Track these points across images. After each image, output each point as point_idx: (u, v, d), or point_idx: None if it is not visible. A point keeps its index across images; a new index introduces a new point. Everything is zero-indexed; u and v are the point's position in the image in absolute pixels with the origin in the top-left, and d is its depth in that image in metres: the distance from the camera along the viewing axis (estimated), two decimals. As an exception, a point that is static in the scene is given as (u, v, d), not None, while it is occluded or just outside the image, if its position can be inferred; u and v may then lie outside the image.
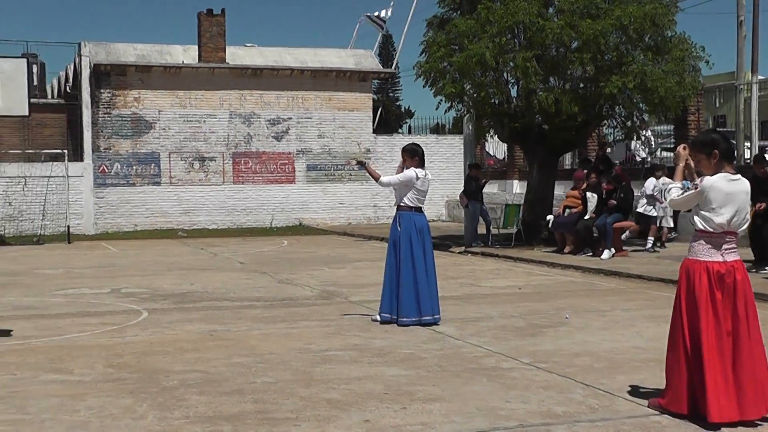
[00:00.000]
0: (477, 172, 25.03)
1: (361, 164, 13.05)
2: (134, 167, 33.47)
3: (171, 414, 7.36)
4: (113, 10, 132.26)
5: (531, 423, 7.06)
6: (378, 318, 12.05)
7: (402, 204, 12.14)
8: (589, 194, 21.14)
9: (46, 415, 7.47)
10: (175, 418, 7.22)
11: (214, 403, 7.68)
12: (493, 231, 24.50)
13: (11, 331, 11.83)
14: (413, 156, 12.14)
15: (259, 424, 7.06)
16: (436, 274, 12.21)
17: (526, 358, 9.55)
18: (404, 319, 11.72)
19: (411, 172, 12.01)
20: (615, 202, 20.43)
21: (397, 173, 12.30)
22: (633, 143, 29.77)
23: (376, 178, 12.38)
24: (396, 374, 8.82)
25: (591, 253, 20.32)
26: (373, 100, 37.83)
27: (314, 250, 24.76)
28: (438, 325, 11.72)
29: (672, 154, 27.50)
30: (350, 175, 35.61)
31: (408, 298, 11.76)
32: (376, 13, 42.13)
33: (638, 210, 21.75)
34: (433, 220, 35.67)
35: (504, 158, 41.47)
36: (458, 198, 26.78)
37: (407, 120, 64.47)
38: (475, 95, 23.13)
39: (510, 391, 8.02)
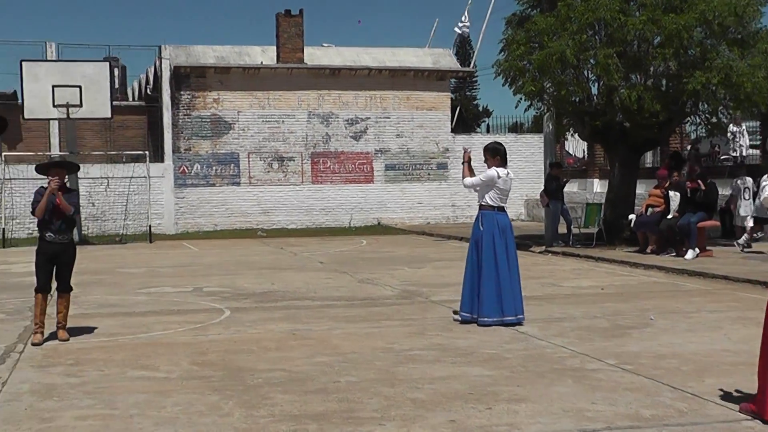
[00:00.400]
0: (558, 171, 24.82)
1: (468, 160, 12.75)
2: (214, 168, 33.77)
3: (257, 412, 7.37)
4: (192, 13, 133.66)
5: (618, 426, 6.94)
6: (458, 317, 11.99)
7: (484, 203, 12.06)
8: (672, 193, 20.84)
9: (134, 410, 7.54)
10: (261, 416, 7.23)
11: (299, 401, 7.68)
12: (574, 230, 24.28)
13: (96, 328, 12.00)
14: (495, 155, 12.06)
15: (345, 423, 7.04)
16: (519, 274, 12.10)
17: (611, 359, 9.41)
18: (485, 319, 11.62)
19: (492, 172, 11.93)
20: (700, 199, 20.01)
21: (467, 175, 12.20)
22: (727, 140, 29.08)
23: (462, 178, 12.34)
24: (480, 374, 8.75)
25: (674, 253, 20.01)
26: (451, 99, 37.73)
27: (393, 249, 24.74)
28: (521, 325, 11.63)
29: (758, 151, 27.07)
30: (428, 174, 35.56)
31: (489, 298, 11.66)
32: (462, 25, 41.95)
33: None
34: (513, 220, 35.36)
35: (583, 157, 41.10)
36: (538, 197, 26.60)
37: (485, 119, 64.21)
38: (555, 93, 22.90)
39: (596, 392, 7.91)
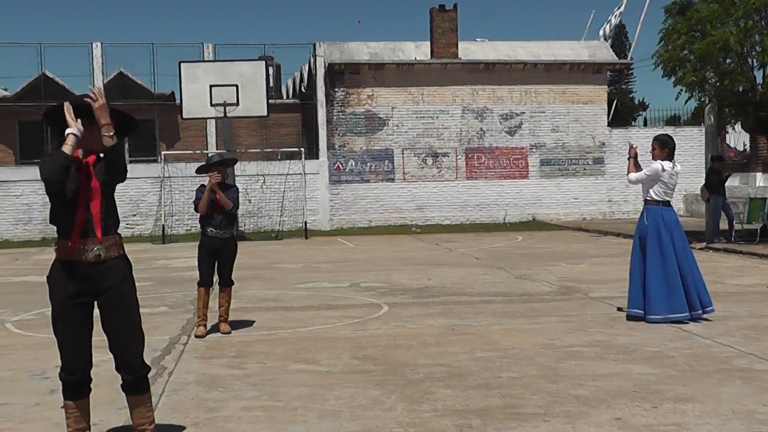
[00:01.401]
0: (720, 165, 24.13)
1: (635, 155, 12.52)
2: (368, 164, 33.99)
3: (419, 407, 7.36)
4: (346, 10, 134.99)
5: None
6: (628, 312, 11.79)
7: (649, 198, 11.83)
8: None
9: (297, 403, 7.62)
10: (424, 411, 7.22)
11: (461, 396, 7.64)
12: (736, 226, 23.62)
13: (256, 321, 12.20)
14: (663, 147, 11.82)
15: (508, 419, 6.98)
16: (698, 268, 11.82)
17: (780, 359, 9.13)
18: (653, 317, 11.37)
19: (657, 165, 11.67)
20: None
21: (632, 171, 11.98)
22: None
23: (627, 173, 12.15)
24: (644, 372, 8.57)
25: None
26: (607, 92, 37.17)
27: (549, 245, 24.50)
28: (695, 321, 11.37)
29: None
30: (584, 169, 35.11)
31: (657, 295, 11.40)
32: (613, 18, 41.33)
33: None
34: (671, 215, 34.77)
35: (745, 149, 39.99)
36: (698, 192, 25.95)
37: (641, 112, 63.06)
38: (717, 83, 22.32)
39: (766, 394, 7.65)
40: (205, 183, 11.37)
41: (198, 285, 11.42)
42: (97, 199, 5.87)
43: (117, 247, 6.01)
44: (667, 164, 11.69)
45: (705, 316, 11.59)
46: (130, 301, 6.08)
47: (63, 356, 6.12)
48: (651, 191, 11.77)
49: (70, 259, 5.89)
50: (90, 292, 5.99)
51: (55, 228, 5.89)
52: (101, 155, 5.90)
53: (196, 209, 11.39)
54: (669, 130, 36.15)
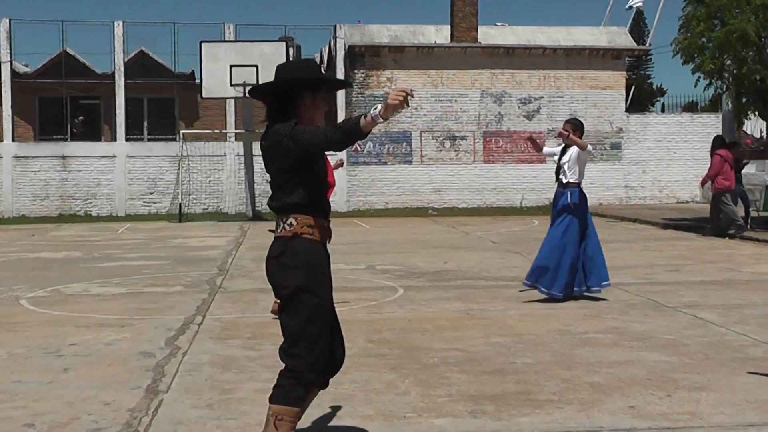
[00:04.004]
0: (736, 152, 24.00)
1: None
2: (386, 146, 33.97)
3: (434, 391, 7.37)
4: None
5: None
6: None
7: (580, 180, 12.50)
8: None
9: (311, 386, 7.63)
10: (438, 396, 7.23)
11: (476, 382, 7.65)
12: (753, 214, 23.52)
13: (273, 303, 12.22)
14: (576, 130, 12.23)
15: (522, 405, 6.98)
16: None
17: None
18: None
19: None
20: None
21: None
22: None
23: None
24: (658, 360, 8.56)
25: None
26: (626, 78, 37.02)
27: (565, 230, 24.42)
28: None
29: None
30: (602, 154, 34.99)
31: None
32: (631, 3, 41.21)
33: None
34: (687, 202, 34.71)
35: (761, 137, 39.82)
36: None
37: (659, 98, 62.80)
38: (735, 71, 22.22)
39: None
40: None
41: None
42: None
43: None
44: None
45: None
46: None
47: (316, 353, 5.43)
48: (580, 173, 12.31)
49: (324, 243, 5.55)
50: None
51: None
52: None
53: None
54: (687, 117, 36.04)
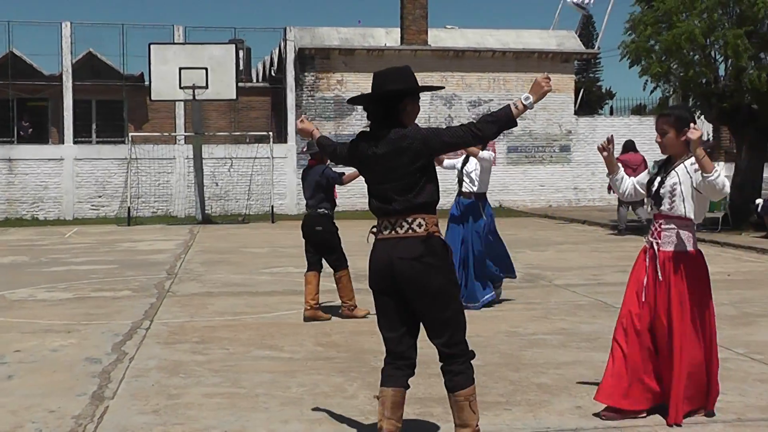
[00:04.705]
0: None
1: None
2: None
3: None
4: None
5: (750, 417, 6.78)
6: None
7: (485, 190, 12.34)
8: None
9: (260, 390, 7.61)
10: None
11: (424, 384, 7.63)
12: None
13: (221, 306, 12.15)
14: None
15: (470, 408, 6.98)
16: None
17: (740, 348, 9.19)
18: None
19: (489, 154, 12.11)
20: None
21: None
22: None
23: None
24: (605, 360, 8.58)
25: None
26: (575, 81, 37.26)
27: (516, 232, 24.48)
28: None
29: None
30: (551, 157, 35.19)
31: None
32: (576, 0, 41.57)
33: None
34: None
35: (708, 140, 40.22)
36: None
37: (608, 101, 63.24)
38: (682, 74, 22.43)
39: (725, 382, 7.64)
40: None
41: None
42: None
43: None
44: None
45: None
46: None
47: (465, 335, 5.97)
48: (486, 182, 12.10)
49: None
50: None
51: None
52: None
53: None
54: (635, 119, 36.34)
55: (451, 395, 5.76)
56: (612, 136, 6.96)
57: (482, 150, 11.78)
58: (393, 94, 5.74)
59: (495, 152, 12.11)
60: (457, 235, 11.97)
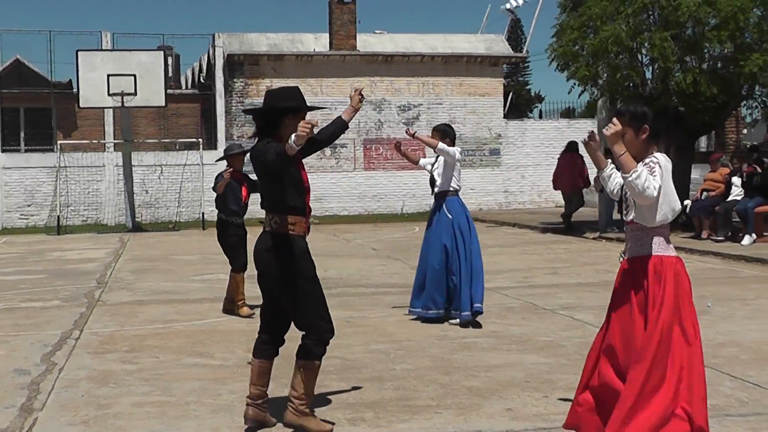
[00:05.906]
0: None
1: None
2: (267, 155, 33.76)
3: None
4: (246, 1, 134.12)
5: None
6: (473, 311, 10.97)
7: (454, 187, 11.59)
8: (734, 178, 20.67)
9: (190, 397, 7.59)
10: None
11: (355, 389, 7.68)
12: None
13: (151, 314, 12.07)
14: (444, 137, 11.35)
15: (401, 411, 7.03)
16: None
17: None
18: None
19: (454, 149, 11.32)
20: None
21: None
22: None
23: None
24: (536, 362, 8.71)
25: (729, 234, 19.86)
26: (504, 85, 37.52)
27: (446, 236, 24.65)
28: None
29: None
30: (481, 160, 35.38)
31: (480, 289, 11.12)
32: (508, 6, 41.98)
33: None
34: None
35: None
36: (592, 183, 26.34)
37: (537, 104, 63.81)
38: (609, 78, 22.71)
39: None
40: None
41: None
42: None
43: None
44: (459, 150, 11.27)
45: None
46: None
47: (326, 314, 7.06)
48: (457, 180, 11.45)
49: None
50: None
51: None
52: None
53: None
54: (564, 122, 36.67)
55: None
56: (593, 131, 6.38)
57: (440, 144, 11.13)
58: (277, 111, 6.74)
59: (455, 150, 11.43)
60: (434, 238, 11.70)
